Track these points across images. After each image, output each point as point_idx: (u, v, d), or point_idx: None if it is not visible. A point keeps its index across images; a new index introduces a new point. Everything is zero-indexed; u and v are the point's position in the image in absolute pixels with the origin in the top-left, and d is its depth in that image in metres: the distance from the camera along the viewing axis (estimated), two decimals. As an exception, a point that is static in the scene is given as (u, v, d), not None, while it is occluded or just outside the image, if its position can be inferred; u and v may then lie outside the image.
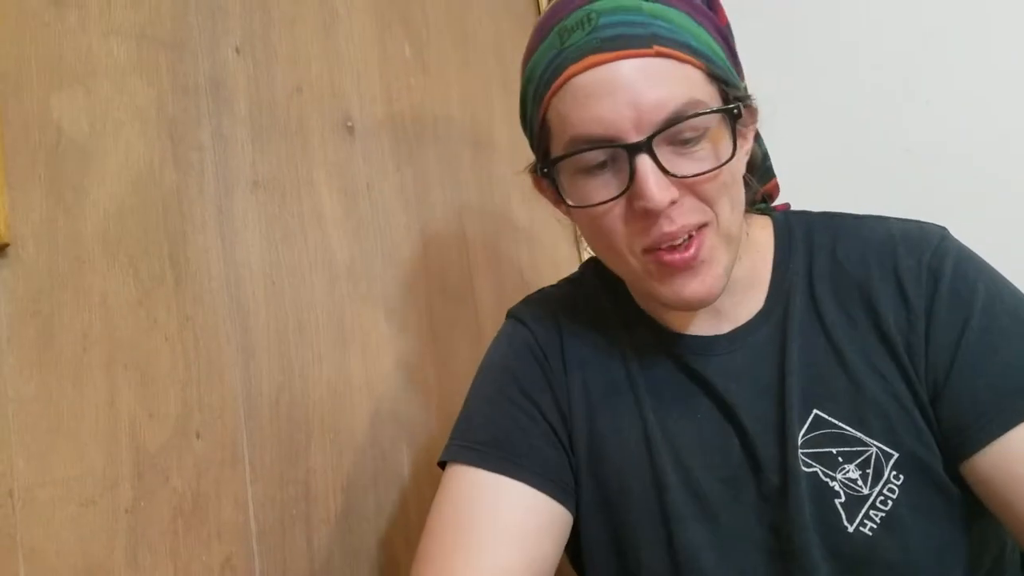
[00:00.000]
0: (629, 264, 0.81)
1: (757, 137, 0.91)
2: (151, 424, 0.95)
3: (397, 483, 1.17)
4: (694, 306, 0.80)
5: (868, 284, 0.82)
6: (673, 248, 0.77)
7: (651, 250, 0.78)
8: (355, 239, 1.20)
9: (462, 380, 1.27)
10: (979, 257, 0.81)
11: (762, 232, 0.90)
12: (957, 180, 1.35)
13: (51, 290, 0.88)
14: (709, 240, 0.77)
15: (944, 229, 0.83)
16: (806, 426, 0.80)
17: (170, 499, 0.95)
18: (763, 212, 0.93)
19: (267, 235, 1.10)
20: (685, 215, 0.76)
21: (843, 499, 0.78)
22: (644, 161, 0.74)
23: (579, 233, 1.48)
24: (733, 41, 0.84)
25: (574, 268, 1.50)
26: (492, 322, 1.34)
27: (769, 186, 0.94)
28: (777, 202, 0.96)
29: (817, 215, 0.90)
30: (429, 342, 1.26)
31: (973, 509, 0.78)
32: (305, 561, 1.05)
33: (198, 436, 0.99)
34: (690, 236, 0.77)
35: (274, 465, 1.05)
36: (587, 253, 1.46)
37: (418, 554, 0.85)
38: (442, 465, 0.92)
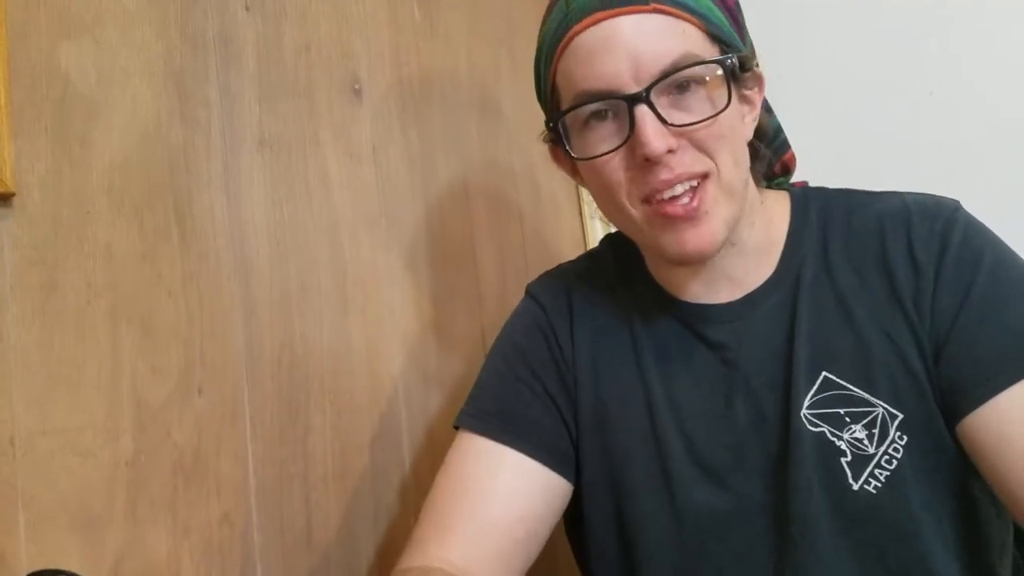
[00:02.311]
0: (631, 216, 0.82)
1: (769, 109, 0.91)
2: (153, 378, 0.95)
3: (394, 446, 1.18)
4: (695, 258, 0.81)
5: (882, 249, 0.84)
6: (674, 199, 0.78)
7: (651, 200, 0.80)
8: (359, 202, 1.20)
9: (460, 347, 1.28)
10: (989, 230, 0.84)
11: (779, 203, 0.91)
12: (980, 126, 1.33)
13: (55, 240, 0.88)
14: (711, 192, 0.79)
15: (958, 202, 0.85)
16: (815, 388, 0.82)
17: (171, 454, 0.96)
18: (781, 187, 0.94)
19: (272, 194, 1.10)
20: (684, 164, 0.79)
21: (849, 458, 0.80)
22: (643, 111, 0.77)
23: (583, 204, 1.48)
24: (740, 13, 0.86)
25: (578, 239, 1.50)
26: (492, 290, 1.34)
27: (786, 158, 0.95)
28: (796, 179, 0.97)
29: (834, 191, 0.92)
30: (429, 308, 1.26)
31: (976, 473, 0.79)
32: (302, 518, 1.05)
33: (200, 392, 0.99)
34: (692, 190, 0.79)
35: (274, 423, 1.05)
36: (591, 223, 1.46)
37: (423, 506, 0.89)
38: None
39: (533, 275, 1.05)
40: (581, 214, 1.49)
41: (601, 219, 1.43)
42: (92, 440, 0.90)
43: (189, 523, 0.96)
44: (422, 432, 1.21)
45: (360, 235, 1.19)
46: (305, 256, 1.12)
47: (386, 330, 1.21)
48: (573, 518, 0.94)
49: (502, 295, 1.35)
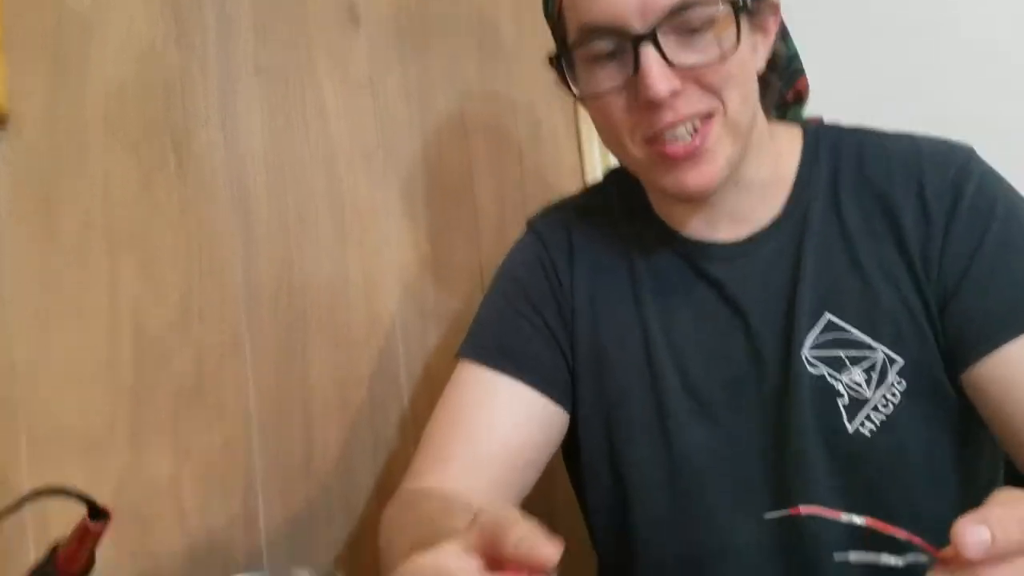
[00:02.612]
0: (633, 155, 0.81)
1: (785, 35, 0.89)
2: (153, 307, 0.95)
3: (392, 380, 1.18)
4: (695, 196, 0.80)
5: (892, 197, 0.82)
6: (676, 140, 0.77)
7: (652, 141, 0.78)
8: (356, 133, 1.18)
9: (458, 282, 1.28)
10: (1002, 177, 0.82)
11: (789, 138, 0.89)
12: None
13: (51, 166, 0.87)
14: (715, 129, 0.78)
15: (971, 149, 0.84)
16: (818, 330, 0.82)
17: (171, 381, 0.96)
18: (794, 121, 0.92)
19: (269, 124, 1.08)
20: (689, 105, 0.77)
21: (846, 400, 0.80)
22: (647, 51, 0.75)
23: (583, 138, 1.47)
24: None
25: (577, 174, 1.49)
26: (490, 225, 1.33)
27: (798, 85, 0.93)
28: (811, 114, 0.95)
29: (847, 129, 0.90)
30: (426, 242, 1.26)
31: (972, 422, 0.80)
32: (302, 447, 1.06)
33: (200, 321, 0.99)
34: (695, 128, 0.77)
35: (274, 354, 1.06)
36: (590, 158, 1.44)
37: (422, 437, 0.89)
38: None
39: (532, 210, 1.04)
40: (580, 149, 1.47)
41: (602, 152, 1.42)
42: (93, 366, 0.90)
43: (190, 449, 0.97)
44: (420, 367, 1.22)
45: (357, 167, 1.18)
46: (303, 187, 1.11)
47: (383, 263, 1.20)
48: (570, 449, 0.95)
49: (500, 230, 1.34)
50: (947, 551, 0.41)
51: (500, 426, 0.86)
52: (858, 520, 0.42)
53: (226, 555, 0.99)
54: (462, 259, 1.29)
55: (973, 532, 0.39)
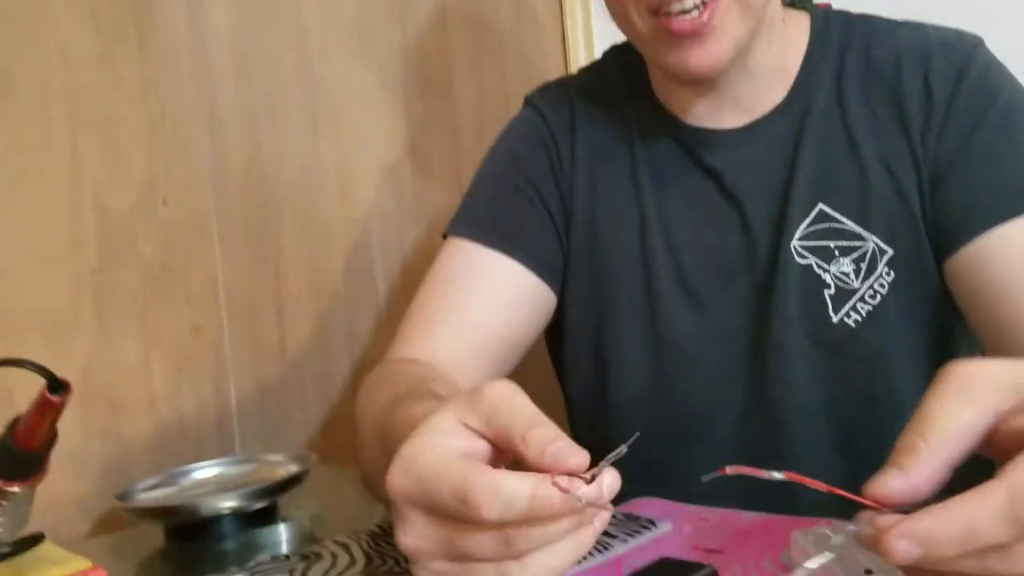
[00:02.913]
0: (638, 28, 0.78)
1: None
2: (116, 187, 0.93)
3: (367, 271, 1.17)
4: (699, 77, 0.77)
5: (897, 83, 0.80)
6: (683, 15, 0.74)
7: (658, 12, 0.75)
8: (329, 12, 1.14)
9: (436, 179, 1.25)
10: (1009, 71, 0.80)
11: (797, 25, 0.86)
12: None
13: (5, 34, 0.83)
14: (724, 5, 0.74)
15: (980, 39, 0.81)
16: (809, 219, 0.81)
17: (138, 264, 0.94)
18: (803, 7, 0.89)
19: (236, 2, 1.04)
20: None
21: (832, 291, 0.79)
22: None
23: (568, 32, 1.43)
24: None
25: (559, 68, 1.45)
26: (470, 122, 1.30)
27: None
28: (819, 1, 0.92)
29: (856, 16, 0.87)
30: (404, 135, 1.23)
31: (954, 319, 0.79)
32: (275, 334, 1.05)
33: (165, 203, 0.97)
34: (704, 2, 0.74)
35: (244, 240, 1.03)
36: (575, 53, 1.40)
37: (408, 311, 0.88)
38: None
39: (514, 109, 1.01)
40: (564, 39, 1.43)
41: (587, 43, 1.38)
42: (56, 246, 0.88)
43: (159, 332, 0.96)
44: (395, 261, 1.20)
45: (331, 50, 1.14)
46: (273, 71, 1.08)
47: (359, 155, 1.18)
48: (554, 332, 0.94)
49: (480, 127, 1.31)
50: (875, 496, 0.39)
51: (489, 302, 0.85)
52: (778, 475, 0.40)
53: (197, 440, 0.98)
54: (441, 156, 1.27)
55: (903, 548, 0.36)
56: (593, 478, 0.39)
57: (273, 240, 1.07)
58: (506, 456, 0.43)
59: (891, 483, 0.38)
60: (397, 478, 0.42)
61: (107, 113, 0.92)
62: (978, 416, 0.39)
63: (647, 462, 0.86)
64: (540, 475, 0.39)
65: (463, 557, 0.41)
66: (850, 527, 0.40)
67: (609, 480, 0.40)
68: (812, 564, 0.39)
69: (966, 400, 0.39)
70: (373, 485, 0.71)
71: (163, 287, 0.96)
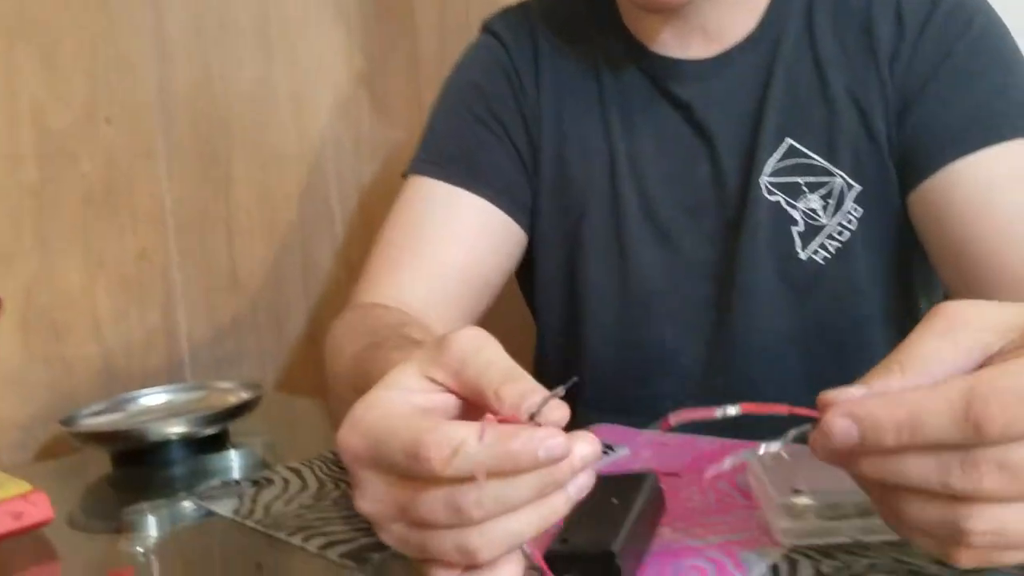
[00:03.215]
0: None
1: None
2: (56, 105, 0.88)
3: (323, 200, 1.14)
4: (665, 6, 0.75)
5: (868, 10, 0.78)
6: None
7: None
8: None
9: (395, 111, 1.22)
10: (987, 2, 0.79)
11: None
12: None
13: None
14: None
15: None
16: (778, 155, 0.79)
17: (80, 184, 0.90)
18: None
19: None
20: None
21: (801, 228, 0.79)
22: None
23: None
24: None
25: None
26: (430, 52, 1.26)
27: None
28: None
29: None
30: (361, 63, 1.19)
31: (921, 256, 0.79)
32: (226, 262, 1.02)
33: (108, 122, 0.92)
34: None
35: (192, 164, 1.00)
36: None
37: (372, 253, 0.85)
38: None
39: (476, 29, 0.97)
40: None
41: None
42: (-8, 162, 0.84)
43: (104, 256, 0.92)
44: (353, 194, 1.17)
45: (285, -28, 1.10)
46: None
47: (314, 82, 1.14)
48: (525, 269, 0.92)
49: (441, 58, 1.27)
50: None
51: (457, 242, 0.82)
52: (732, 410, 0.38)
53: (145, 368, 0.96)
54: (400, 87, 1.23)
55: (841, 426, 0.35)
56: (532, 416, 0.37)
57: (223, 165, 1.03)
58: (478, 412, 0.39)
59: (850, 390, 0.37)
60: (347, 438, 0.40)
61: (46, 27, 0.87)
62: (962, 358, 0.37)
63: (615, 397, 0.86)
64: (499, 425, 0.36)
65: (419, 522, 0.38)
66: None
67: (581, 447, 0.37)
68: (760, 450, 0.38)
69: (952, 342, 0.37)
70: None
71: (107, 209, 0.92)
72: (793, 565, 0.44)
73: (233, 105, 1.04)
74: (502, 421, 0.37)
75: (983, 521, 0.33)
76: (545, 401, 0.38)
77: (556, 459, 0.36)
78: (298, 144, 1.12)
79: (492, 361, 0.40)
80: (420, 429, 0.37)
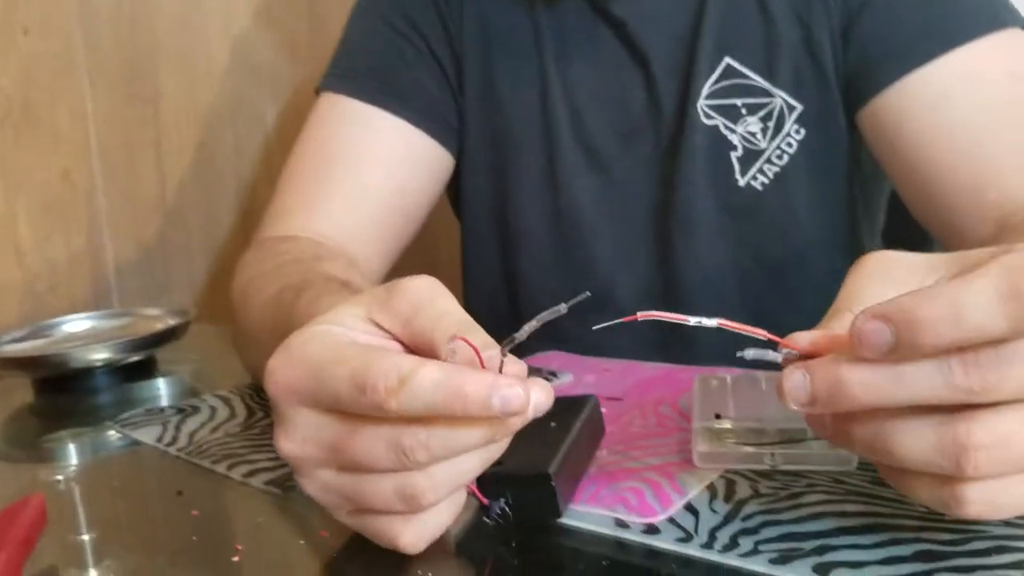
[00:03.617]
0: None
1: None
2: (-36, 10, 0.83)
3: (259, 127, 1.09)
4: None
5: None
6: None
7: None
8: None
9: (335, 20, 1.16)
10: None
11: None
12: None
13: None
14: None
15: None
16: (715, 75, 0.76)
17: (-5, 100, 0.85)
18: None
19: None
20: None
21: (739, 152, 0.76)
22: None
23: None
24: None
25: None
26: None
27: None
28: None
29: None
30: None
31: (862, 180, 0.78)
32: (155, 186, 0.98)
33: (25, 33, 0.87)
34: None
35: (116, 81, 0.95)
36: None
37: (280, 179, 0.79)
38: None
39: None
40: None
41: None
42: None
43: (23, 179, 0.88)
44: (291, 117, 1.12)
45: None
46: None
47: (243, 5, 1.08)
48: (454, 195, 0.89)
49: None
50: (812, 345, 0.36)
51: (377, 166, 0.77)
52: (708, 322, 0.36)
53: (71, 294, 0.92)
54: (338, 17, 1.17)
55: (872, 329, 0.30)
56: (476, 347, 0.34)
57: (150, 81, 0.98)
58: None
59: (810, 333, 0.36)
60: (281, 368, 0.36)
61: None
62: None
63: (552, 334, 0.84)
64: (455, 365, 0.34)
65: (356, 465, 0.36)
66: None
67: (537, 394, 0.34)
68: (749, 354, 0.36)
69: (890, 283, 0.36)
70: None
71: (27, 127, 0.87)
72: (731, 486, 0.43)
73: (159, 17, 0.99)
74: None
75: (985, 430, 0.30)
76: (502, 351, 0.36)
77: (511, 412, 0.33)
78: (230, 59, 1.06)
79: (448, 311, 0.37)
80: (368, 358, 0.34)
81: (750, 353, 0.36)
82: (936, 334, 0.29)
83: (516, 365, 0.36)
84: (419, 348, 0.37)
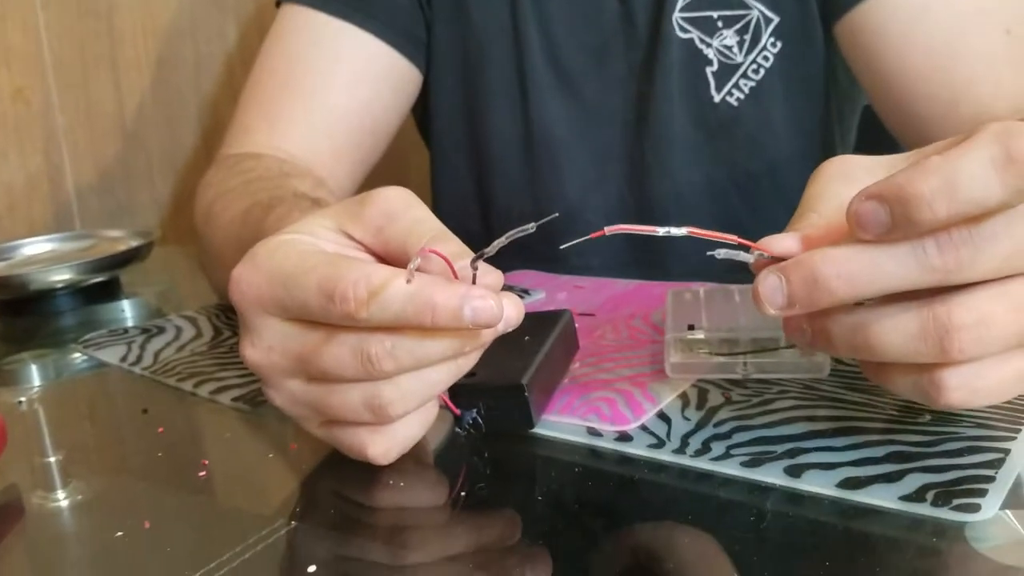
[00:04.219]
0: None
1: None
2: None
3: (219, 42, 1.05)
4: None
5: None
6: None
7: None
8: None
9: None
10: None
11: None
12: None
13: None
14: None
15: None
16: None
17: (-62, 11, 0.81)
18: None
19: None
20: None
21: (715, 67, 0.75)
22: None
23: None
24: None
25: None
26: None
27: None
28: None
29: None
30: None
31: (842, 93, 0.77)
32: (113, 104, 0.95)
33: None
34: None
35: (70, -7, 0.91)
36: None
37: (242, 98, 0.77)
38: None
39: None
40: None
41: None
42: None
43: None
44: (253, 27, 1.08)
45: None
46: None
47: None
48: (423, 111, 0.87)
49: None
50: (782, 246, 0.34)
51: (341, 82, 0.75)
52: (677, 231, 0.34)
53: (30, 216, 0.89)
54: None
55: (868, 210, 0.29)
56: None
57: (105, -4, 0.94)
58: None
59: (782, 235, 0.35)
60: (247, 276, 0.36)
61: None
62: None
63: (523, 255, 0.83)
64: (427, 275, 0.33)
65: (323, 375, 0.35)
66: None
67: (508, 307, 0.34)
68: (720, 253, 0.35)
69: (850, 184, 0.35)
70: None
71: (-26, 41, 0.84)
72: (703, 394, 0.43)
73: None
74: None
75: (966, 310, 0.30)
76: (478, 259, 0.35)
77: (482, 324, 0.32)
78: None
79: (421, 219, 0.36)
80: (337, 266, 0.33)
81: (721, 252, 0.35)
82: (932, 209, 0.28)
83: (491, 275, 0.36)
84: (391, 257, 0.37)
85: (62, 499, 0.39)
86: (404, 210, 0.37)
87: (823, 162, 0.38)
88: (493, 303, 0.32)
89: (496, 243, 0.35)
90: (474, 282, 0.35)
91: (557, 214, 0.37)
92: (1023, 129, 0.28)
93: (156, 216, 0.99)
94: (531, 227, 0.35)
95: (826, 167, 0.38)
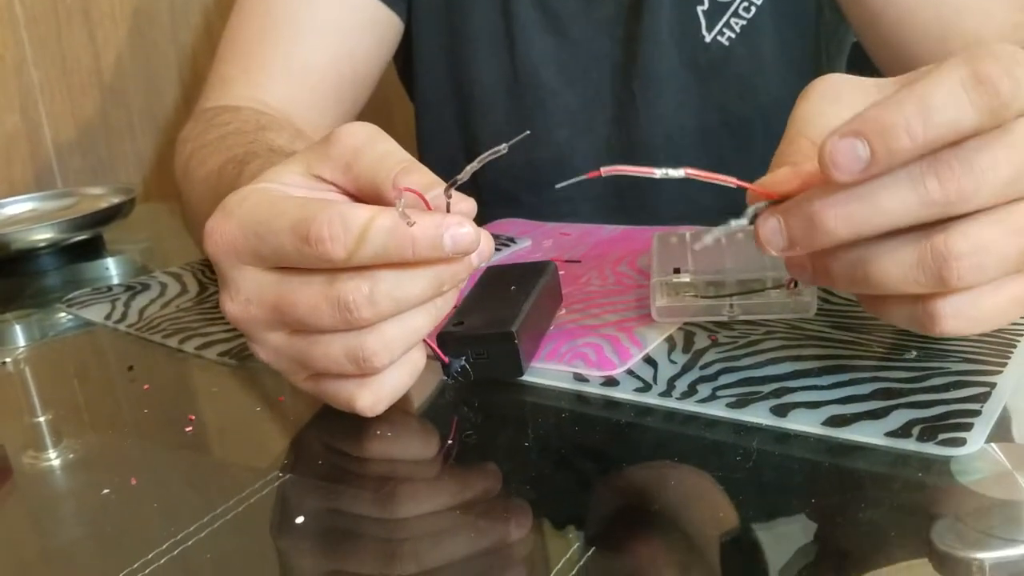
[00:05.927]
0: None
1: None
2: None
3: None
4: None
5: None
6: None
7: None
8: None
9: None
10: None
11: None
12: None
13: None
14: None
15: None
16: None
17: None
18: None
19: None
20: None
21: (705, 6, 0.74)
22: None
23: None
24: None
25: None
26: None
27: None
28: None
29: None
30: None
31: (830, 31, 0.76)
32: (89, 58, 0.93)
33: None
34: None
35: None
36: None
37: (219, 49, 0.75)
38: None
39: None
40: None
41: None
42: None
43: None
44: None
45: None
46: None
47: None
48: (405, 60, 0.85)
49: None
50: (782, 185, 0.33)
51: (322, 33, 0.73)
52: (675, 173, 0.33)
53: (9, 176, 0.88)
54: None
55: (846, 147, 0.28)
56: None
57: (74, -57, 0.91)
58: None
59: (778, 172, 0.34)
60: (220, 226, 0.35)
61: None
62: (853, 114, 0.34)
63: (510, 199, 0.82)
64: (401, 212, 0.32)
65: (301, 325, 0.34)
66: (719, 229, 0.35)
67: (485, 240, 0.34)
68: (710, 238, 0.35)
69: (839, 104, 0.35)
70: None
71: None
72: (689, 337, 0.43)
73: None
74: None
75: (964, 238, 0.29)
76: (450, 187, 0.34)
77: (462, 250, 0.32)
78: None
79: (389, 151, 0.36)
80: (311, 208, 0.33)
81: (716, 232, 0.34)
82: (909, 137, 0.28)
83: (465, 202, 0.35)
84: (363, 193, 0.36)
85: (53, 459, 0.39)
86: (370, 144, 0.36)
87: (812, 81, 0.38)
88: (471, 228, 0.33)
89: (468, 168, 0.34)
90: (448, 211, 0.34)
91: (528, 132, 0.37)
92: (991, 51, 0.28)
93: (139, 172, 0.98)
94: (503, 148, 0.35)
95: (816, 85, 0.37)
